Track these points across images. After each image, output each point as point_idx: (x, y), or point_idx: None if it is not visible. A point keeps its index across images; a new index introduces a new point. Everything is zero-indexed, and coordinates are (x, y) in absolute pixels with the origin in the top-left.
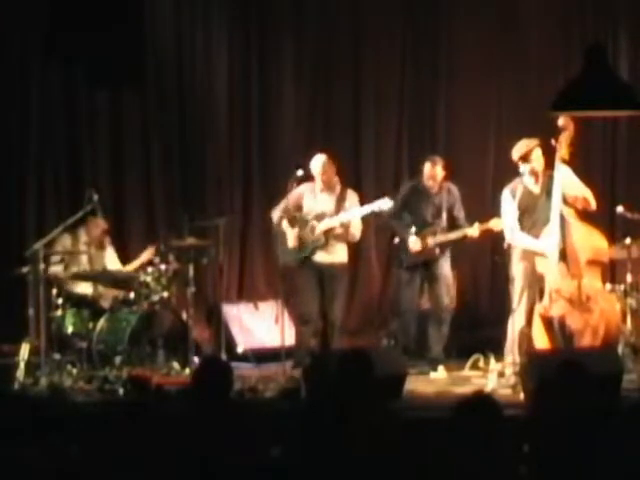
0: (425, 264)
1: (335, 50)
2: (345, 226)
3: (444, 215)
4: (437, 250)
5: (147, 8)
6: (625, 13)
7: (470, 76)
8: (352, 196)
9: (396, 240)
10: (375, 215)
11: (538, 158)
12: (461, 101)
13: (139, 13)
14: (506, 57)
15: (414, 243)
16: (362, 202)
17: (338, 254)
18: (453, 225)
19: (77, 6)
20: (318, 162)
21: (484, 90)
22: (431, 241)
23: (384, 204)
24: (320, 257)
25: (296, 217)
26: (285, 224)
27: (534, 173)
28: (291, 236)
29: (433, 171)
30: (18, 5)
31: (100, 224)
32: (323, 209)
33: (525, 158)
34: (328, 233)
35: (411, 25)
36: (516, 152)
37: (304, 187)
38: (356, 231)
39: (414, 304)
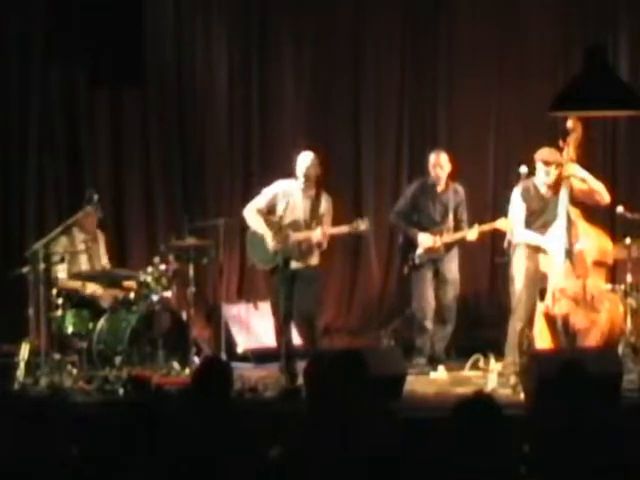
0: (433, 262)
1: (335, 50)
2: (318, 240)
3: (450, 215)
4: (443, 250)
5: (147, 8)
6: (625, 13)
7: (470, 76)
8: (326, 202)
9: (401, 240)
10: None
11: (541, 174)
12: (461, 101)
13: (139, 13)
14: (506, 57)
15: (425, 239)
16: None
17: (310, 259)
18: (457, 226)
19: (77, 6)
20: (306, 159)
21: (484, 90)
22: (438, 240)
23: (362, 225)
24: (293, 265)
25: (268, 221)
26: (264, 226)
27: (547, 185)
28: (269, 239)
29: (438, 159)
30: (18, 5)
31: (92, 213)
32: (297, 217)
33: (547, 163)
34: (301, 243)
35: (411, 25)
36: (541, 154)
37: (278, 187)
38: (326, 242)
39: (428, 301)
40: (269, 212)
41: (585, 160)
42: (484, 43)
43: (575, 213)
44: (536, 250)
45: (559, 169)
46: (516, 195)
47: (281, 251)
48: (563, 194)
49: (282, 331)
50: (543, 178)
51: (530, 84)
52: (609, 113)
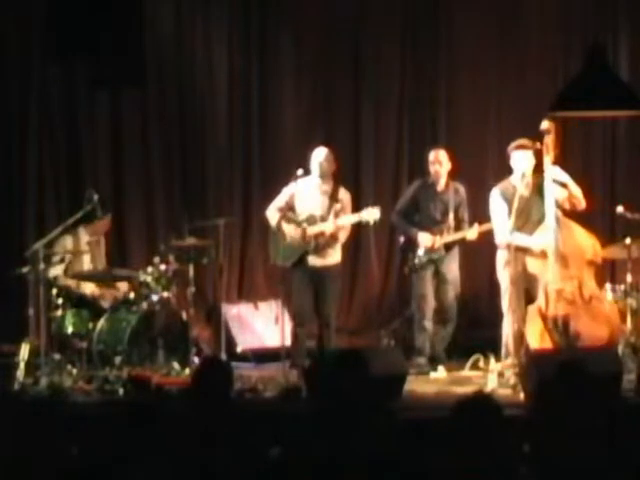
0: (433, 262)
1: (335, 50)
2: (334, 231)
3: (451, 215)
4: (443, 250)
5: (147, 8)
6: (625, 13)
7: (470, 76)
8: (345, 196)
9: (401, 240)
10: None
11: (520, 160)
12: (461, 101)
13: (139, 13)
14: (506, 57)
15: (425, 238)
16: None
17: (331, 256)
18: (458, 226)
19: (77, 6)
20: (320, 154)
21: (484, 90)
22: (438, 240)
23: (373, 213)
24: (312, 260)
25: (289, 218)
26: (285, 225)
27: (520, 172)
28: (290, 235)
29: (437, 156)
30: (18, 5)
31: (107, 224)
32: (314, 212)
33: (524, 147)
34: (318, 237)
35: (411, 24)
36: (516, 142)
37: (296, 186)
38: (343, 235)
39: (427, 301)
40: (290, 209)
41: (563, 161)
42: (484, 43)
43: (559, 214)
44: (523, 251)
45: (535, 157)
46: (496, 196)
47: (299, 247)
48: (549, 195)
49: (296, 328)
50: (522, 166)
51: (530, 84)
52: (609, 113)
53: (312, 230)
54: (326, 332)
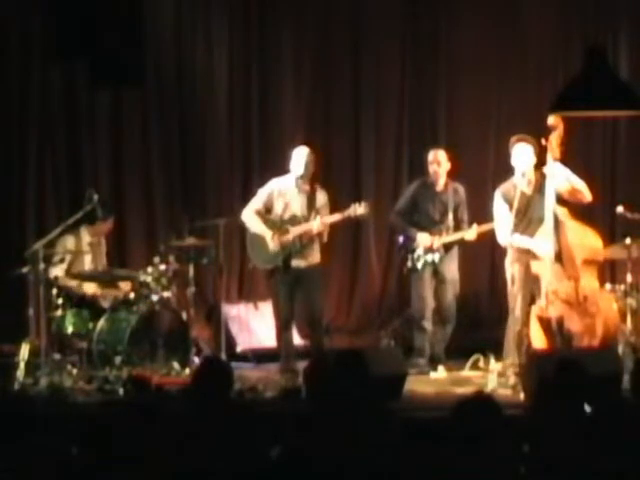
0: (432, 262)
1: (335, 49)
2: (322, 230)
3: (450, 215)
4: (442, 250)
5: (147, 8)
6: (625, 13)
7: (470, 76)
8: (321, 195)
9: (400, 240)
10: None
11: (519, 155)
12: (461, 101)
13: (139, 13)
14: (506, 57)
15: (424, 239)
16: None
17: (312, 256)
18: (457, 226)
19: (77, 6)
20: (304, 153)
21: (484, 90)
22: (437, 240)
23: (359, 209)
24: (296, 262)
25: (268, 220)
26: (262, 227)
27: (520, 171)
28: (269, 239)
29: (435, 156)
30: (18, 5)
31: (109, 226)
32: (295, 212)
33: (526, 140)
34: (302, 238)
35: (411, 24)
36: (518, 136)
37: (273, 186)
38: (326, 232)
39: (426, 302)
40: (267, 211)
41: (567, 158)
42: (484, 43)
43: (562, 212)
44: (526, 253)
45: (537, 154)
46: (498, 198)
47: (281, 250)
48: (549, 195)
49: (283, 331)
50: (522, 160)
51: (530, 84)
52: (609, 113)
53: (297, 230)
54: (317, 331)
